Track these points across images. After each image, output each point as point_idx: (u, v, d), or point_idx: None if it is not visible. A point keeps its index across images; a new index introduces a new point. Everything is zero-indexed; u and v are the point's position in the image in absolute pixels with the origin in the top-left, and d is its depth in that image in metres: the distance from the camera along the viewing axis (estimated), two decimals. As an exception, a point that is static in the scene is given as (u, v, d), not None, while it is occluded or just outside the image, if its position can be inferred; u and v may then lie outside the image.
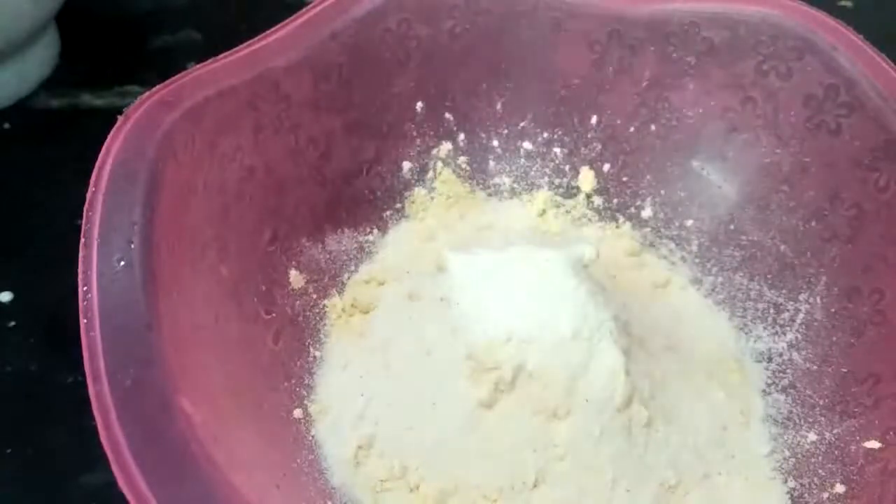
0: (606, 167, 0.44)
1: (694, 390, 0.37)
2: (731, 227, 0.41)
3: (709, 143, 0.41)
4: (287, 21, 0.36)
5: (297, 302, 0.37)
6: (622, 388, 0.33)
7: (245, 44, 0.34)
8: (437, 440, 0.33)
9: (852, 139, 0.36)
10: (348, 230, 0.41)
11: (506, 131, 0.44)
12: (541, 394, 0.33)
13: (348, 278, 0.40)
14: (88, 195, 0.27)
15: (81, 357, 0.24)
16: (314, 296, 0.38)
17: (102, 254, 0.26)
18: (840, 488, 0.32)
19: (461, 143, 0.44)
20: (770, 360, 0.38)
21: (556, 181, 0.45)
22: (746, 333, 0.40)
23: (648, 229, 0.43)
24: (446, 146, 0.44)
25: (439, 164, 0.44)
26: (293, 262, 0.38)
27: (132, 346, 0.25)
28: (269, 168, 0.36)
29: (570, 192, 0.45)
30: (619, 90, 0.42)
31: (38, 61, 0.53)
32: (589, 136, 0.43)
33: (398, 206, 0.43)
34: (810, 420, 0.35)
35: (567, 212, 0.44)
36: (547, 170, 0.45)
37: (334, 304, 0.38)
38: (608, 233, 0.44)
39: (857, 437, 0.33)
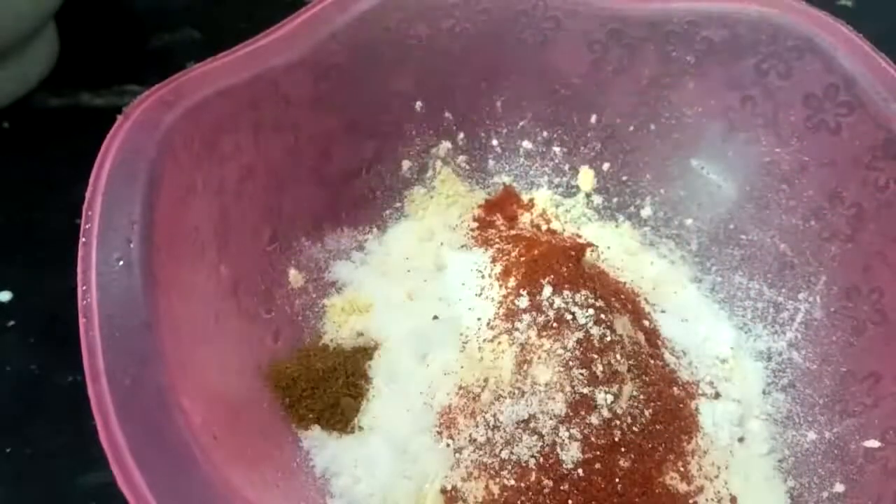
0: (606, 166, 0.44)
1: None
2: (731, 226, 0.41)
3: (708, 142, 0.41)
4: (287, 20, 0.36)
5: (297, 301, 0.37)
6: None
7: (245, 43, 0.34)
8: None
9: (852, 138, 0.36)
10: (348, 229, 0.41)
11: (505, 130, 0.44)
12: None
13: (347, 277, 0.40)
14: (88, 195, 0.27)
15: (81, 357, 0.24)
16: (313, 295, 0.38)
17: (102, 253, 0.26)
18: (840, 487, 0.32)
19: (460, 142, 0.44)
20: (770, 359, 0.38)
21: (556, 180, 0.45)
22: (746, 332, 0.40)
23: (648, 228, 0.43)
24: (446, 145, 0.44)
25: (439, 163, 0.44)
26: (292, 262, 0.38)
27: (131, 345, 0.25)
28: (269, 168, 0.36)
29: (570, 191, 0.45)
30: (618, 89, 0.42)
31: (38, 61, 0.53)
32: (588, 135, 0.43)
33: (397, 205, 0.43)
34: (810, 419, 0.35)
35: (567, 211, 0.44)
36: (546, 169, 0.45)
37: (333, 303, 0.38)
38: (608, 232, 0.44)
39: (857, 437, 0.33)
